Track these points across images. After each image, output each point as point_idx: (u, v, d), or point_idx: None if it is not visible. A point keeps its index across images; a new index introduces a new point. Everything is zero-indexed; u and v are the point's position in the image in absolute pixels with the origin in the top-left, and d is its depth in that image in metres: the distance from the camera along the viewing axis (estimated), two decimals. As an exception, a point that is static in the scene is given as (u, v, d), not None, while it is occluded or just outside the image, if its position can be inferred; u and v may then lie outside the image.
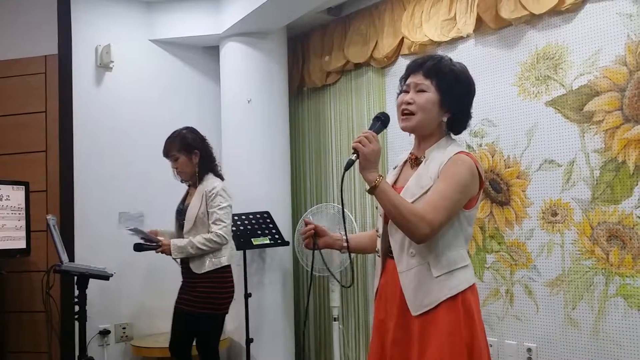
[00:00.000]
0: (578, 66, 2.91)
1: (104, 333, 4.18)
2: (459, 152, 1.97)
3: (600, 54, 2.82)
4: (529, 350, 3.11)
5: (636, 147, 2.68)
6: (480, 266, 3.36)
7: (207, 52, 4.76)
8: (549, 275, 3.03)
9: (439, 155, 1.98)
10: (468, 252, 2.08)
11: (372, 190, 1.89)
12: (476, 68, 3.38)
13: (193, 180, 3.54)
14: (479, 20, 3.30)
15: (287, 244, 4.18)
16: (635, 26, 2.69)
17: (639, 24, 2.68)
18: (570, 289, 2.93)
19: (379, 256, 2.13)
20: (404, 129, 2.03)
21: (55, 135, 4.12)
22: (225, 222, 3.38)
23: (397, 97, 2.08)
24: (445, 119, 2.02)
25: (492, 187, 3.30)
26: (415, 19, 3.66)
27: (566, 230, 2.95)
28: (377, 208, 2.14)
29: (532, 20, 3.09)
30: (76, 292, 3.20)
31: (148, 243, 3.40)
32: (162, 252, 3.39)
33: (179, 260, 3.46)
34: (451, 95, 2.00)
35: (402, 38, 3.78)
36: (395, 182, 2.10)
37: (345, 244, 2.16)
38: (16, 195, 3.79)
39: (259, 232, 4.08)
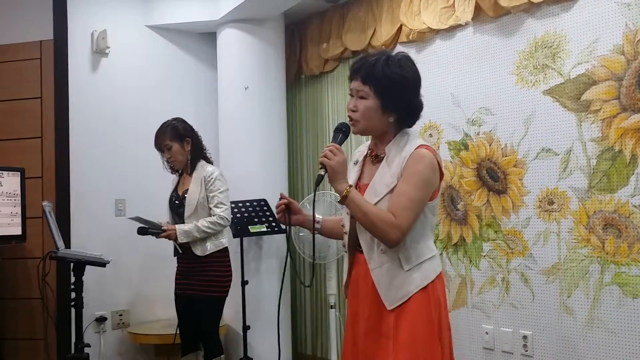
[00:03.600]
0: (576, 55, 2.91)
1: (101, 320, 4.18)
2: (418, 147, 1.99)
3: (598, 43, 2.82)
4: (525, 337, 3.12)
5: (633, 136, 2.69)
6: (476, 254, 3.37)
7: (204, 38, 4.74)
8: (545, 263, 3.04)
9: (399, 152, 2.02)
10: (434, 242, 2.17)
11: (343, 200, 1.96)
12: (474, 56, 3.38)
13: (186, 168, 3.59)
14: (478, 8, 3.29)
15: (284, 231, 4.17)
16: (633, 15, 2.69)
17: (637, 13, 2.68)
18: (566, 277, 2.95)
19: (345, 251, 2.17)
20: (354, 133, 2.08)
21: (50, 121, 4.11)
22: (226, 205, 3.51)
23: None
24: (392, 120, 2.04)
25: (489, 176, 3.30)
26: (413, 7, 3.65)
27: (562, 218, 2.96)
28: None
29: (531, 8, 3.08)
30: (72, 279, 3.19)
31: (152, 228, 3.41)
32: (166, 237, 3.42)
33: (177, 247, 3.48)
34: (390, 98, 2.00)
35: (401, 25, 3.77)
36: (359, 179, 2.14)
37: (317, 225, 2.23)
38: (11, 182, 3.77)
39: (256, 219, 4.08)
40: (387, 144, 2.06)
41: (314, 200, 2.12)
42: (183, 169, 3.61)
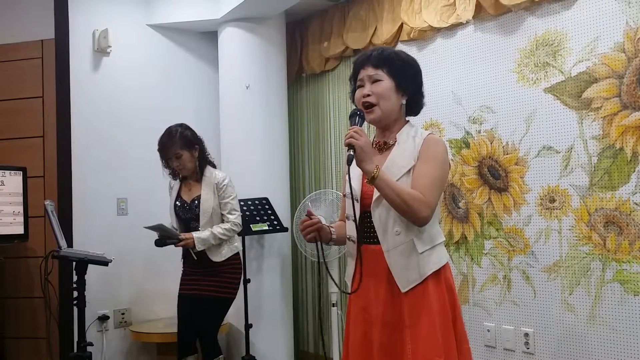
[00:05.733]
0: (577, 53, 2.91)
1: (103, 319, 4.19)
2: (430, 134, 2.09)
3: (598, 41, 2.82)
4: (526, 335, 3.13)
5: (634, 133, 2.69)
6: (478, 252, 3.37)
7: (205, 37, 4.74)
8: (546, 261, 3.05)
9: (411, 139, 2.09)
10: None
11: (373, 180, 1.95)
12: (475, 54, 3.39)
13: (194, 174, 3.58)
14: (479, 6, 3.29)
15: (285, 230, 4.19)
16: (634, 13, 2.69)
17: (638, 11, 2.68)
18: (567, 275, 2.95)
19: (353, 242, 2.15)
20: (370, 121, 2.12)
21: (52, 120, 4.12)
22: (238, 211, 3.60)
23: (352, 94, 2.18)
24: (404, 102, 2.12)
25: (491, 174, 3.31)
26: (414, 5, 3.65)
27: (564, 216, 2.97)
28: (344, 196, 2.17)
29: (532, 6, 3.09)
30: (75, 278, 3.20)
31: (169, 237, 3.40)
32: (184, 246, 3.44)
33: (193, 254, 3.48)
34: (404, 77, 2.10)
35: (402, 24, 3.77)
36: None
37: (333, 237, 2.21)
38: (14, 181, 3.78)
39: (258, 218, 4.08)
40: (396, 132, 2.12)
41: (349, 179, 2.00)
42: (191, 175, 3.60)
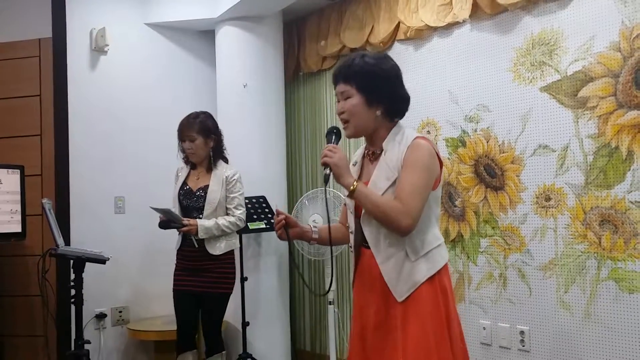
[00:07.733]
0: (573, 52, 2.92)
1: (101, 317, 4.20)
2: (415, 138, 2.04)
3: (594, 40, 2.84)
4: (522, 332, 3.15)
5: (629, 132, 2.71)
6: (474, 250, 3.39)
7: (203, 36, 4.74)
8: (542, 259, 3.06)
9: (396, 146, 2.06)
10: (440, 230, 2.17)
11: (351, 194, 1.99)
12: (472, 53, 3.40)
13: (204, 163, 3.61)
14: (475, 6, 3.30)
15: (282, 228, 4.19)
16: (630, 12, 2.71)
17: (634, 10, 2.69)
18: (562, 273, 2.97)
19: (352, 251, 2.20)
20: (347, 136, 2.14)
21: (50, 118, 4.12)
22: (244, 207, 3.64)
23: None
24: (379, 113, 2.08)
25: (487, 172, 3.32)
26: (411, 4, 3.66)
27: (559, 214, 2.98)
28: (344, 204, 2.19)
29: (528, 5, 3.10)
30: (72, 276, 3.21)
31: (173, 222, 3.43)
32: (187, 232, 3.44)
33: (194, 241, 3.49)
34: (372, 90, 2.06)
35: (398, 23, 3.78)
36: (359, 178, 2.17)
37: (315, 236, 2.25)
38: (11, 179, 3.78)
39: (255, 216, 4.09)
40: (383, 141, 2.10)
41: (326, 199, 2.17)
42: (199, 163, 3.62)
